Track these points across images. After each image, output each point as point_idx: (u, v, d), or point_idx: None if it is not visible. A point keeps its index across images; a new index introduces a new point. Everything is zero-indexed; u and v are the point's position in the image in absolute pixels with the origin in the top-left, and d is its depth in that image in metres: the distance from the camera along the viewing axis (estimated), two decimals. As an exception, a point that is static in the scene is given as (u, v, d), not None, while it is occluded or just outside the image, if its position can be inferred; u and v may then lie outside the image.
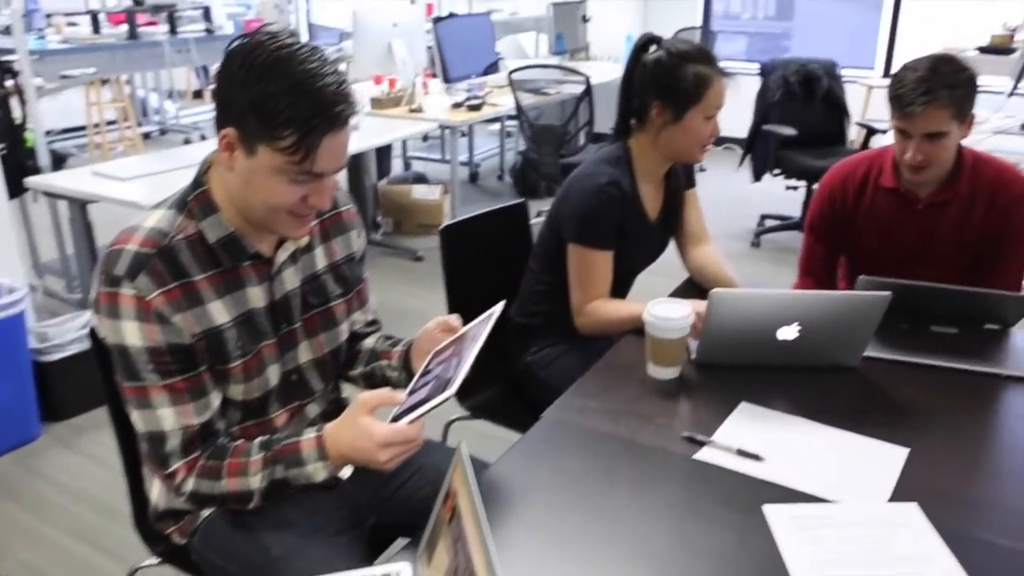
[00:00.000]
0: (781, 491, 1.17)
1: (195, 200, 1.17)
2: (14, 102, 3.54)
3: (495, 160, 6.08)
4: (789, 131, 4.11)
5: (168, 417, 1.14)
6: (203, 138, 6.46)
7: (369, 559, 1.32)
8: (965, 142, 1.77)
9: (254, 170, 1.09)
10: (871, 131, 4.22)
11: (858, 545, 1.05)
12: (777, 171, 4.28)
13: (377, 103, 4.23)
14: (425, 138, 6.63)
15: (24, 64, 3.56)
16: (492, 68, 4.87)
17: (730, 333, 1.46)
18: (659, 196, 1.86)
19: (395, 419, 1.11)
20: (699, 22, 6.55)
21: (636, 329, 1.59)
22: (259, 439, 1.18)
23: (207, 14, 5.40)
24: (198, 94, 8.14)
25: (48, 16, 5.50)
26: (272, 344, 1.24)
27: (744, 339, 1.47)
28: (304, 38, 1.19)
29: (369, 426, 1.09)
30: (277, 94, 1.04)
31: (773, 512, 1.11)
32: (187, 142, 6.64)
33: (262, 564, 1.18)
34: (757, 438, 1.29)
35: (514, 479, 1.20)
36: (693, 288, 1.89)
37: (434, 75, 4.73)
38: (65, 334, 2.71)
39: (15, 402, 2.55)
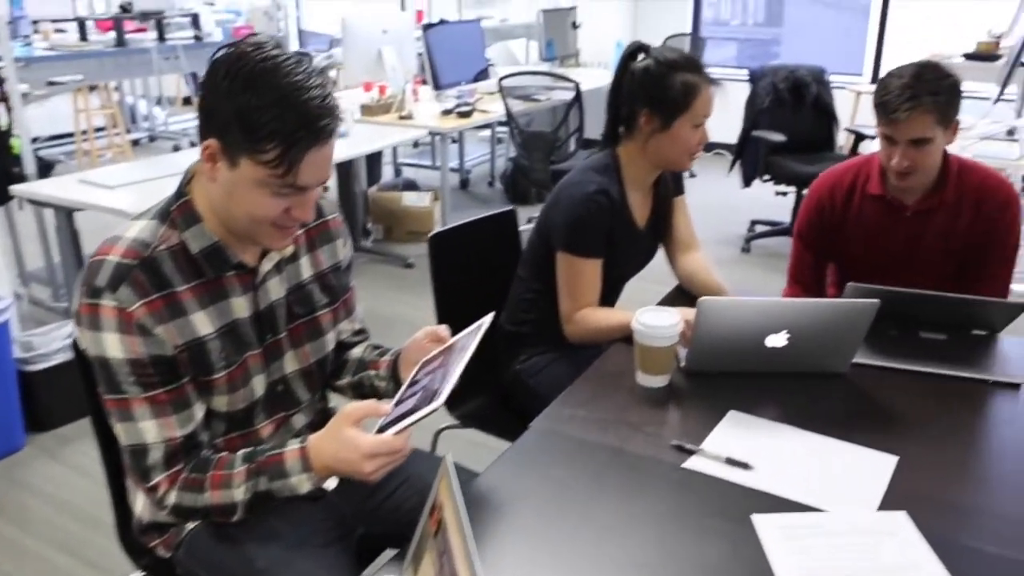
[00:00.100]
0: (770, 499, 1.16)
1: (178, 210, 1.16)
2: (0, 109, 3.52)
3: (485, 167, 6.08)
4: (778, 137, 4.13)
5: (150, 430, 1.12)
6: (192, 145, 6.42)
7: (357, 570, 1.32)
8: (952, 148, 1.79)
9: (236, 182, 1.08)
10: (860, 136, 4.25)
11: (847, 554, 1.04)
12: (767, 177, 4.30)
13: (367, 110, 4.22)
14: (415, 145, 6.62)
15: (9, 71, 3.54)
16: (482, 75, 4.86)
17: (719, 341, 1.46)
18: (647, 203, 1.86)
19: (381, 430, 1.10)
20: (689, 28, 6.58)
21: (625, 337, 1.58)
22: (242, 451, 1.17)
23: (195, 21, 5.38)
24: (187, 101, 8.11)
25: (35, 23, 5.46)
26: (257, 354, 1.23)
27: (733, 347, 1.47)
28: (294, 45, 1.18)
29: (354, 438, 1.08)
30: (262, 107, 1.02)
31: (762, 522, 1.11)
32: (176, 149, 6.63)
33: (247, 577, 1.16)
34: (746, 446, 1.28)
35: (503, 488, 1.19)
36: (682, 295, 1.89)
37: (424, 82, 4.72)
38: (51, 343, 2.68)
39: (-1, 412, 2.52)
